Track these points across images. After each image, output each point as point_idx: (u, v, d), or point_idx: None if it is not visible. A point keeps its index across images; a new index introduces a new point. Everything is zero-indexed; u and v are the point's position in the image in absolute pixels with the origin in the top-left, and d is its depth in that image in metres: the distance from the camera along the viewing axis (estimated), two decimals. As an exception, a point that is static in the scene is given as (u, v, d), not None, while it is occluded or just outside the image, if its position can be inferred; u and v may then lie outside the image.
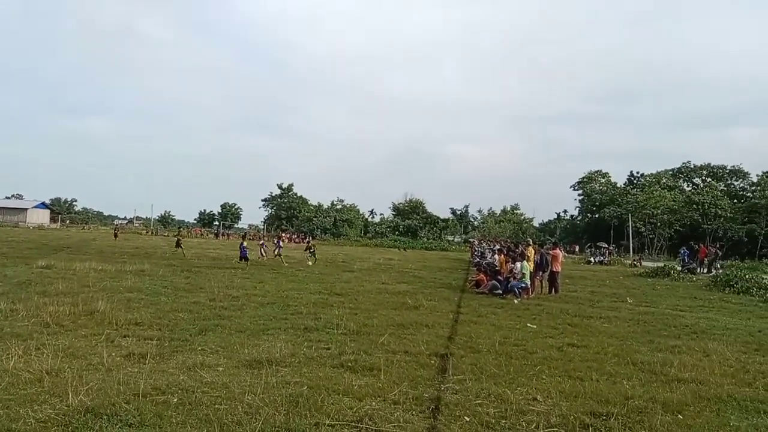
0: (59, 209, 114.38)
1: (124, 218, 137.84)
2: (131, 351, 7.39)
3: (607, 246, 55.97)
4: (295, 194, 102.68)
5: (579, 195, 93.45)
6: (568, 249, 61.07)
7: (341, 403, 5.64)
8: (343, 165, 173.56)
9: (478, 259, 30.84)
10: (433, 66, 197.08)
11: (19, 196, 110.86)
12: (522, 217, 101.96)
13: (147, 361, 6.93)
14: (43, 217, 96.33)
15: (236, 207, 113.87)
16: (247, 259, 26.18)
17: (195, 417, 5.08)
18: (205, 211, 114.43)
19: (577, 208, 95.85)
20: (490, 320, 11.95)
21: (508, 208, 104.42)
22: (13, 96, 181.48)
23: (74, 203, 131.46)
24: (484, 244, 39.03)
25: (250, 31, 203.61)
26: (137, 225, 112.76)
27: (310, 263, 28.56)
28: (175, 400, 5.52)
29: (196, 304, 12.13)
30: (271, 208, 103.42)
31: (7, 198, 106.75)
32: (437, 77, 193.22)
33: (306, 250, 32.39)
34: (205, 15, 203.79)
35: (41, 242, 37.38)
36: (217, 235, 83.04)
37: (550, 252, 19.10)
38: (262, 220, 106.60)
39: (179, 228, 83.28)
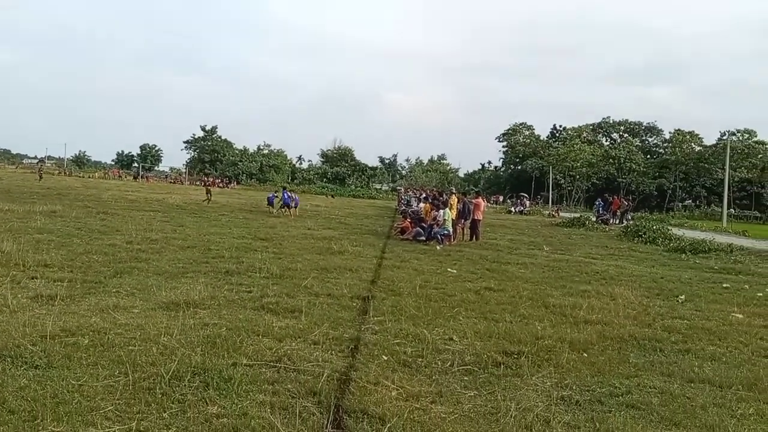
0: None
1: (35, 157, 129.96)
2: (39, 293, 7.06)
3: (527, 196, 57.89)
4: (220, 137, 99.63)
5: (503, 147, 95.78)
6: (491, 199, 62.73)
7: (260, 344, 5.62)
8: (270, 108, 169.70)
9: (404, 207, 31.21)
10: (365, 9, 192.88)
11: None
12: (448, 167, 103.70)
13: (56, 303, 6.65)
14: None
15: (156, 149, 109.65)
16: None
17: (107, 359, 4.93)
18: (123, 152, 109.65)
19: (501, 160, 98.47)
20: (413, 265, 12.17)
21: (435, 158, 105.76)
22: None
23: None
24: (410, 193, 39.46)
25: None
26: (49, 165, 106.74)
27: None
28: (86, 341, 5.33)
29: (111, 247, 11.69)
30: (194, 150, 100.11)
31: None
32: (369, 21, 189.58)
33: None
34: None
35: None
36: (135, 177, 79.91)
37: (473, 201, 19.52)
38: (185, 163, 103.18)
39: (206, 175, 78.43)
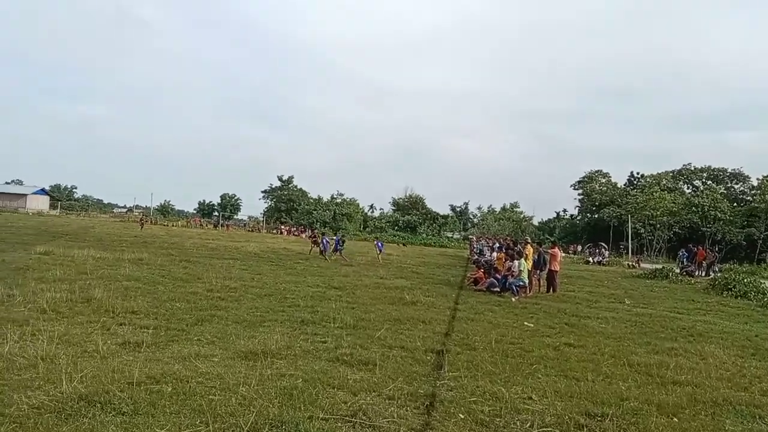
0: (59, 196, 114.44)
1: (124, 206, 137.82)
2: (127, 339, 7.38)
3: (605, 246, 55.99)
4: (295, 187, 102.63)
5: (579, 194, 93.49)
6: (569, 249, 61.15)
7: (336, 397, 5.63)
8: (343, 158, 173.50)
9: (476, 257, 30.87)
10: (436, 60, 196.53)
11: (19, 182, 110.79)
12: (521, 216, 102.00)
13: (142, 350, 6.92)
14: (42, 203, 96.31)
15: (236, 198, 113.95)
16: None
17: (188, 407, 5.06)
18: (204, 201, 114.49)
19: (577, 208, 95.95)
20: (487, 318, 11.94)
21: (508, 206, 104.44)
22: (14, 81, 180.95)
23: (74, 190, 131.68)
24: (482, 242, 39.04)
25: (251, 22, 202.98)
26: (137, 213, 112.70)
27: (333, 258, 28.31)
28: (170, 389, 5.50)
29: (193, 294, 12.11)
30: (271, 200, 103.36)
31: (7, 183, 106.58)
32: (440, 72, 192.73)
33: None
34: (206, 3, 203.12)
35: (40, 228, 37.34)
36: (216, 225, 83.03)
37: (549, 251, 19.09)
38: (262, 211, 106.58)
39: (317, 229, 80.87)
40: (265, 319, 9.85)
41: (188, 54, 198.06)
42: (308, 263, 24.09)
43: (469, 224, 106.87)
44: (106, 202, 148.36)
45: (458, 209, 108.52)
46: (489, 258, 26.34)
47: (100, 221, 68.53)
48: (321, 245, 28.63)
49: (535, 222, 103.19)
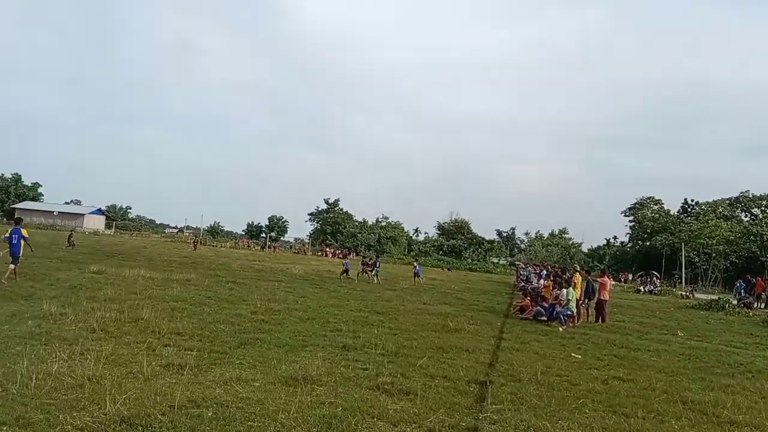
0: (114, 216, 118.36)
1: (175, 227, 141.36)
2: (171, 361, 7.46)
3: (657, 275, 54.25)
4: (341, 209, 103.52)
5: (630, 221, 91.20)
6: (620, 277, 59.48)
7: (375, 428, 5.53)
8: (389, 182, 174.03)
9: (523, 284, 30.34)
10: (483, 84, 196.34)
11: (77, 202, 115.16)
12: (570, 242, 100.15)
13: (185, 373, 6.98)
14: (98, 223, 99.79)
15: (283, 220, 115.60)
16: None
17: (228, 433, 5.05)
18: (252, 222, 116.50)
19: (628, 235, 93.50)
20: (533, 348, 11.63)
21: (556, 232, 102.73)
22: (72, 104, 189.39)
23: (129, 210, 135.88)
24: (529, 268, 38.35)
25: (301, 48, 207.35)
26: (187, 234, 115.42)
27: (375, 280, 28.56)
28: (210, 414, 5.50)
29: (237, 316, 12.22)
30: (317, 222, 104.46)
31: (66, 203, 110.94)
32: (487, 96, 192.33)
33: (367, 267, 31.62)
34: (257, 32, 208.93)
35: (95, 248, 38.59)
36: (263, 247, 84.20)
37: (598, 279, 18.57)
38: (308, 234, 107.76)
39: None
40: (307, 343, 9.84)
41: (241, 81, 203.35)
42: (351, 287, 24.09)
43: (516, 250, 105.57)
44: (158, 222, 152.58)
45: (505, 234, 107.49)
46: (536, 285, 25.83)
47: (152, 241, 70.44)
48: (344, 265, 30.69)
49: (585, 249, 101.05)
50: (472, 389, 7.53)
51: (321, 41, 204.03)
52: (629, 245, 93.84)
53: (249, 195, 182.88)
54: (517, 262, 67.01)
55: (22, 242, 15.95)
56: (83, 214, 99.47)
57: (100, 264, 22.48)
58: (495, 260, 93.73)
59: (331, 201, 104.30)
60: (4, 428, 4.76)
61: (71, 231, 41.94)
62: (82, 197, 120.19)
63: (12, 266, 15.45)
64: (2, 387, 5.68)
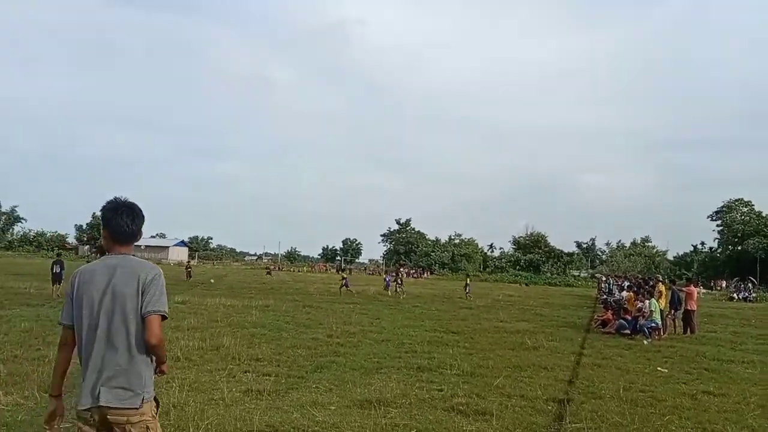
0: (196, 246, 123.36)
1: (254, 254, 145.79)
2: (250, 387, 7.69)
3: (754, 281, 51.09)
4: (413, 229, 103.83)
5: (718, 226, 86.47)
6: (708, 284, 56.46)
7: (450, 450, 5.49)
8: (461, 199, 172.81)
9: (605, 296, 29.30)
10: (554, 94, 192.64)
11: (162, 235, 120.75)
12: (654, 250, 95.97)
13: (263, 398, 7.17)
14: (182, 254, 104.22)
15: (357, 242, 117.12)
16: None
17: (304, 457, 5.16)
18: (327, 246, 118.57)
19: (716, 240, 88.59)
20: (616, 363, 11.21)
21: (638, 241, 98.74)
22: (155, 141, 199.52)
23: (210, 241, 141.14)
24: (611, 280, 37.01)
25: (368, 72, 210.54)
26: (266, 261, 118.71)
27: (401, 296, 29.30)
28: (287, 438, 5.64)
29: (314, 340, 12.45)
30: (390, 243, 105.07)
31: (152, 237, 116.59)
32: (556, 106, 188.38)
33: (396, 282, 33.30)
34: (324, 62, 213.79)
35: (179, 278, 40.26)
36: (338, 270, 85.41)
37: (683, 289, 17.72)
38: (382, 254, 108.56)
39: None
40: (382, 365, 9.89)
41: (315, 108, 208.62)
42: (426, 306, 24.03)
43: (597, 261, 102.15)
44: (238, 250, 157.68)
45: (584, 246, 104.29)
46: (618, 298, 24.89)
47: (232, 269, 72.91)
48: (384, 281, 34.08)
49: (670, 257, 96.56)
50: (550, 408, 7.34)
51: (388, 63, 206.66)
52: (718, 251, 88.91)
53: (324, 220, 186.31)
54: (597, 274, 64.77)
55: None
56: (168, 247, 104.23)
57: (184, 294, 23.47)
58: (575, 273, 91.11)
59: (402, 221, 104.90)
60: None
61: (188, 263, 43.61)
62: (166, 230, 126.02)
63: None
64: (96, 415, 6.04)
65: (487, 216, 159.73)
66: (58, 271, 21.79)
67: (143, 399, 3.08)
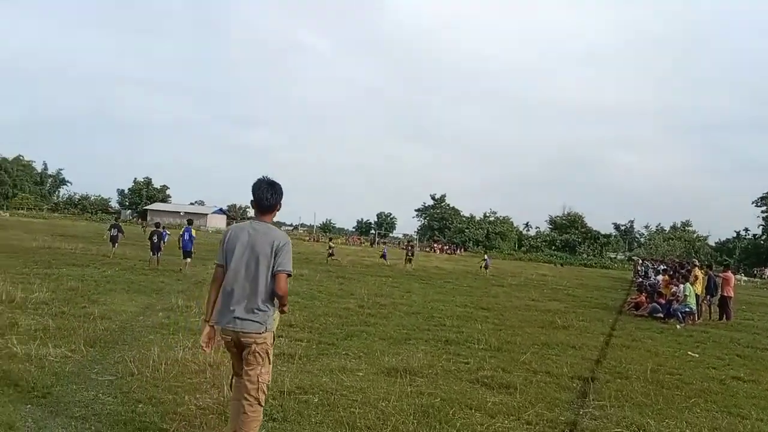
0: (234, 214, 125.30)
1: (290, 225, 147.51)
2: (282, 351, 7.96)
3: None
4: (448, 205, 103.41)
5: (763, 212, 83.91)
6: (751, 272, 55.03)
7: (472, 418, 5.65)
8: (497, 175, 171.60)
9: (640, 279, 28.96)
10: (594, 70, 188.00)
11: (201, 203, 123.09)
12: (695, 235, 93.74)
13: (295, 362, 7.44)
14: (220, 221, 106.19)
15: (391, 216, 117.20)
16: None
17: (332, 418, 5.38)
18: (362, 220, 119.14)
19: (761, 227, 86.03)
20: (646, 345, 11.19)
21: (678, 225, 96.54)
22: (193, 110, 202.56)
23: (247, 209, 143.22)
24: (647, 263, 36.47)
25: (406, 46, 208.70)
26: (301, 231, 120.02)
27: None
28: (316, 400, 5.88)
29: (345, 310, 12.72)
30: (424, 218, 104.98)
31: (191, 204, 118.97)
32: (598, 82, 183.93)
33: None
34: (359, 32, 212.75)
35: (217, 244, 41.21)
36: (372, 243, 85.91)
37: (720, 275, 17.42)
38: (416, 229, 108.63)
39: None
40: (411, 337, 10.09)
41: (350, 80, 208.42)
42: (457, 282, 24.15)
43: (635, 244, 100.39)
44: (274, 220, 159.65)
45: (623, 228, 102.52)
46: (653, 281, 24.58)
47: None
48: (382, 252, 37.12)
49: (711, 242, 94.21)
50: (575, 385, 7.43)
51: (422, 35, 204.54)
52: (763, 238, 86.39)
53: (359, 192, 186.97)
54: (634, 257, 63.77)
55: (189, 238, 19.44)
56: (206, 214, 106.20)
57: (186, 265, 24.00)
58: (612, 255, 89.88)
59: (437, 197, 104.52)
60: (140, 405, 5.36)
61: (329, 240, 40.98)
62: (205, 197, 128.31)
63: (187, 260, 18.93)
64: (138, 370, 6.37)
65: (524, 194, 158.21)
66: (115, 234, 23.14)
67: (266, 329, 4.19)
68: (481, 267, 33.63)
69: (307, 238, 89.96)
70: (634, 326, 14.17)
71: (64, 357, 6.71)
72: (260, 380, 4.19)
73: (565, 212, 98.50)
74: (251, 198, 4.35)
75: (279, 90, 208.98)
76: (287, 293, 4.20)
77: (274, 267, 4.17)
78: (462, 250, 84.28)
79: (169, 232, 26.90)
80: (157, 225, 22.01)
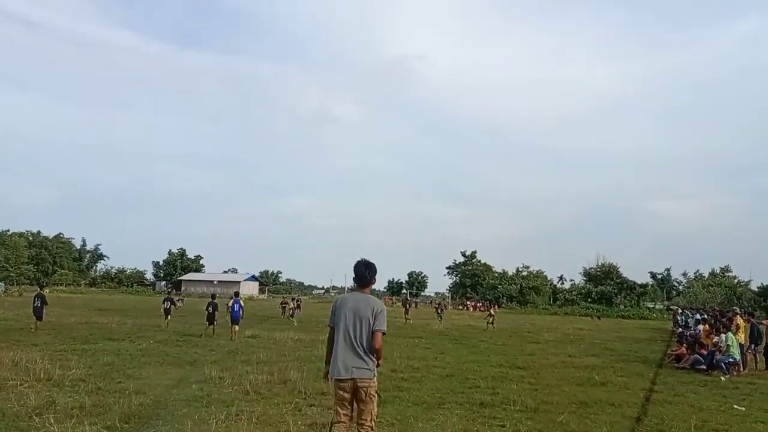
0: (266, 281, 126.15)
1: (322, 287, 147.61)
2: (315, 420, 7.94)
3: None
4: (479, 261, 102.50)
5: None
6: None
7: (509, 486, 5.53)
8: (528, 229, 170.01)
9: (680, 329, 28.14)
10: (622, 118, 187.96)
11: (234, 270, 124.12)
12: (735, 281, 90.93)
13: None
14: (253, 288, 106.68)
15: (422, 275, 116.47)
16: None
17: (365, 490, 5.32)
18: (393, 279, 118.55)
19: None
20: (689, 400, 10.82)
21: (717, 271, 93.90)
22: (226, 181, 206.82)
23: (279, 275, 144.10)
24: (687, 312, 35.45)
25: (429, 106, 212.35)
26: (333, 294, 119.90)
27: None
28: (349, 471, 5.81)
29: (378, 375, 12.57)
30: (456, 275, 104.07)
31: (225, 272, 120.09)
32: (626, 130, 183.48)
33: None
34: (386, 98, 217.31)
35: (250, 312, 41.29)
36: (403, 303, 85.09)
37: (763, 322, 16.88)
38: (447, 287, 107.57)
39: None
40: (445, 400, 9.94)
41: (376, 143, 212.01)
42: (492, 341, 23.76)
43: (674, 293, 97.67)
44: (306, 284, 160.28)
45: (659, 276, 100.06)
46: (694, 331, 23.85)
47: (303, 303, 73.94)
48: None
49: (753, 287, 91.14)
50: (615, 446, 7.22)
51: (449, 96, 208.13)
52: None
53: (389, 252, 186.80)
54: (672, 306, 61.99)
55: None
56: (239, 281, 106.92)
57: (254, 328, 24.15)
58: (650, 305, 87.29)
59: (468, 253, 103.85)
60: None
61: (283, 299, 44.18)
62: (238, 265, 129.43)
63: (235, 327, 20.68)
64: (172, 446, 6.42)
65: (556, 247, 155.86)
66: (168, 306, 25.14)
67: (373, 375, 5.52)
68: (487, 322, 33.03)
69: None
70: (676, 380, 13.73)
71: (100, 435, 6.79)
72: (373, 414, 5.51)
73: (599, 263, 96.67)
74: (353, 275, 5.66)
75: (308, 158, 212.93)
76: (382, 347, 5.49)
77: (373, 326, 5.38)
78: (496, 306, 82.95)
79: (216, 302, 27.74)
80: (213, 297, 23.51)
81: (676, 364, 16.61)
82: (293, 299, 37.69)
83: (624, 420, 8.80)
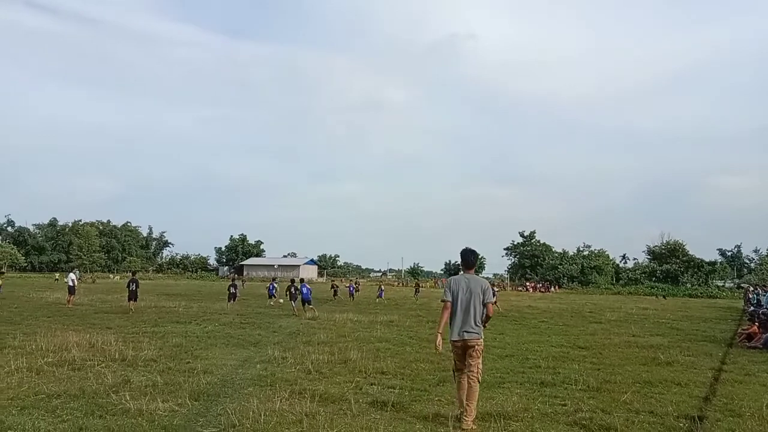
0: (324, 264, 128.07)
1: (379, 271, 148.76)
2: (375, 398, 8.07)
3: None
4: (538, 241, 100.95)
5: None
6: None
7: (571, 463, 5.50)
8: (588, 209, 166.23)
9: (752, 308, 27.02)
10: (686, 93, 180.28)
11: (293, 255, 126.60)
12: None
13: (388, 409, 7.51)
14: (312, 272, 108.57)
15: (480, 257, 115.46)
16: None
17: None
18: (450, 261, 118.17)
19: None
20: (760, 380, 10.42)
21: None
22: (282, 168, 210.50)
23: (337, 259, 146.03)
24: (759, 290, 33.97)
25: (483, 85, 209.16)
26: (390, 277, 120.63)
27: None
28: (410, 447, 5.91)
29: (437, 355, 12.62)
30: (514, 256, 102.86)
31: (284, 257, 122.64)
32: (691, 105, 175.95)
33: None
34: (436, 80, 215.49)
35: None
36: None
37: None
38: (506, 268, 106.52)
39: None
40: (504, 380, 9.92)
41: (428, 125, 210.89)
42: (552, 321, 23.45)
43: (745, 270, 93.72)
44: (363, 267, 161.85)
45: (729, 254, 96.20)
46: (766, 309, 22.86)
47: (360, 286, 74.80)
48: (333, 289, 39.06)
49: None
50: (681, 425, 7.04)
51: (502, 75, 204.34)
52: None
53: (445, 235, 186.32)
54: (743, 284, 59.45)
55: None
56: (299, 265, 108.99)
57: (313, 311, 24.62)
58: (719, 284, 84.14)
59: (526, 234, 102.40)
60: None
61: (333, 281, 47.19)
62: (297, 249, 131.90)
63: (309, 306, 23.47)
64: (239, 422, 6.66)
65: (619, 226, 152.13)
66: (233, 291, 27.48)
67: (480, 336, 7.03)
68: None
69: (396, 283, 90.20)
70: (747, 359, 13.23)
71: (171, 411, 7.12)
72: (479, 367, 7.00)
73: (664, 241, 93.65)
74: (460, 260, 7.21)
75: (361, 142, 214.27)
76: (493, 313, 7.21)
77: (484, 300, 6.93)
78: (556, 287, 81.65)
79: (276, 285, 29.98)
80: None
81: (747, 344, 15.97)
82: (352, 281, 39.65)
83: (690, 399, 8.57)
